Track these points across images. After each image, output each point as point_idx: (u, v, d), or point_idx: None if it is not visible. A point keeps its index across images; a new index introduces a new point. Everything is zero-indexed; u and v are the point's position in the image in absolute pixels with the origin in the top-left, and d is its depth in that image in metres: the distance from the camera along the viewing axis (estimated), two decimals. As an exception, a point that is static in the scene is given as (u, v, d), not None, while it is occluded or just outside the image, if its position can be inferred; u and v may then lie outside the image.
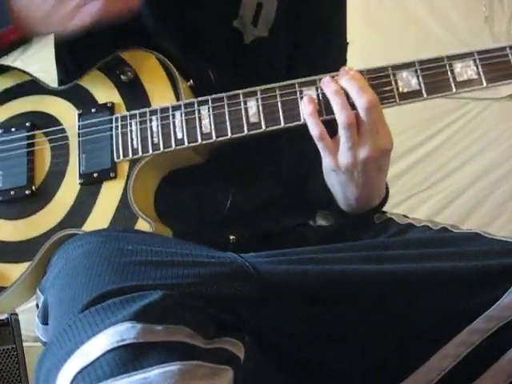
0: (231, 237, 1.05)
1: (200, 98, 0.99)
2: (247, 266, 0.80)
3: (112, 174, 0.99)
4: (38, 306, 1.03)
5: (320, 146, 0.95)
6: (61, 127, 1.05)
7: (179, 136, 0.98)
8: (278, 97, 0.96)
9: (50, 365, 0.71)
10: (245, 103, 0.97)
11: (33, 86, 1.10)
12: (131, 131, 1.00)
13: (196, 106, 0.98)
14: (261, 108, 0.96)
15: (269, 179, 1.11)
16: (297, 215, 1.12)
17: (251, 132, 0.96)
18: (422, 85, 0.94)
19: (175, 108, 0.99)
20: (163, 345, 0.68)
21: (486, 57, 0.93)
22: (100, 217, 0.98)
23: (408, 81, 0.94)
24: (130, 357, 0.66)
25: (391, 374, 0.88)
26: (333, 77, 0.96)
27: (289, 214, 1.12)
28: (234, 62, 1.11)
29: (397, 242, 0.97)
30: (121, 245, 0.81)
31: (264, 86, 0.97)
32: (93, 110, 1.04)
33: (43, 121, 1.06)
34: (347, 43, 1.23)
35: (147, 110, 1.00)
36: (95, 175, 1.00)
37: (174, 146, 0.98)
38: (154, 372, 0.65)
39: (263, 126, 0.96)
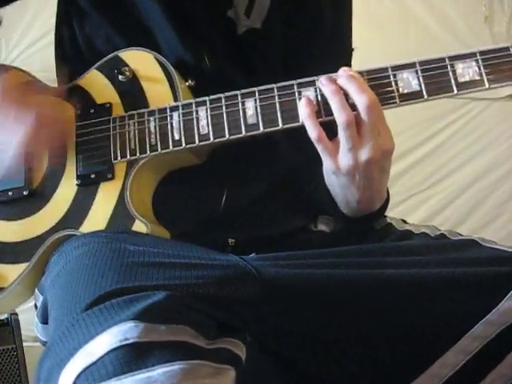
0: (230, 240, 1.04)
1: (198, 99, 0.99)
2: (250, 268, 0.80)
3: (109, 175, 0.99)
4: (36, 306, 1.03)
5: (319, 148, 0.94)
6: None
7: (176, 137, 0.98)
8: (277, 97, 0.96)
9: (52, 364, 0.71)
10: (243, 104, 0.97)
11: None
12: (129, 132, 1.00)
13: (194, 106, 0.98)
14: (259, 109, 0.96)
15: (264, 179, 1.11)
16: (296, 218, 1.12)
17: (249, 133, 0.96)
18: (423, 86, 0.92)
19: (173, 109, 0.99)
20: (166, 344, 0.68)
21: (488, 57, 0.92)
22: (97, 218, 0.98)
23: (408, 82, 0.93)
24: (133, 356, 0.66)
25: (391, 381, 0.88)
26: (331, 77, 0.95)
27: (287, 217, 1.11)
28: (228, 50, 1.11)
29: (397, 247, 0.96)
30: (122, 245, 0.81)
31: (262, 86, 0.97)
32: (91, 111, 1.04)
33: None
34: (352, 48, 1.22)
35: (145, 110, 1.00)
36: (92, 176, 1.00)
37: (171, 147, 0.98)
38: (158, 371, 0.65)
39: (261, 128, 0.95)
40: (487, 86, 0.91)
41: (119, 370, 0.66)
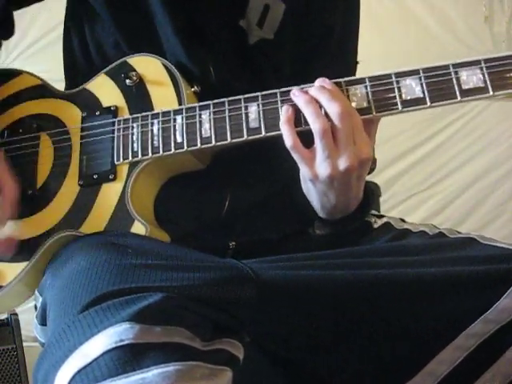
0: (231, 243, 1.04)
1: (202, 103, 0.99)
2: (247, 270, 0.80)
3: (111, 176, 1.00)
4: (36, 307, 1.03)
5: (295, 156, 0.93)
6: (64, 129, 1.06)
7: (179, 140, 0.98)
8: (279, 102, 0.96)
9: (49, 365, 0.71)
10: (245, 108, 0.97)
11: (42, 90, 1.11)
12: (132, 134, 1.01)
13: (197, 110, 0.99)
14: (261, 113, 0.96)
15: (266, 183, 1.11)
16: (295, 221, 1.12)
17: (251, 137, 0.96)
18: (426, 92, 0.91)
19: (177, 112, 0.99)
20: (161, 346, 0.68)
21: (493, 65, 0.91)
22: (97, 218, 0.98)
23: (412, 88, 0.92)
24: (128, 357, 0.66)
25: (389, 379, 0.88)
26: (303, 88, 0.95)
27: (287, 220, 1.11)
28: (236, 60, 1.11)
29: (394, 248, 0.97)
30: (121, 248, 0.82)
31: (265, 91, 0.97)
32: (97, 113, 1.05)
33: (49, 123, 1.07)
34: (357, 62, 1.22)
35: (149, 113, 1.01)
36: (95, 177, 1.01)
37: (173, 149, 0.98)
38: (153, 372, 0.65)
39: (263, 132, 0.95)
40: (491, 93, 0.90)
41: (114, 372, 0.66)
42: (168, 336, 0.69)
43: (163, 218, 1.01)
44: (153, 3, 1.06)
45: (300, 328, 0.85)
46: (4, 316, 1.87)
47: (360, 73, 1.20)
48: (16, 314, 1.88)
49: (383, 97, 0.93)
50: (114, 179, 1.00)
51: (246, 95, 0.97)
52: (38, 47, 2.57)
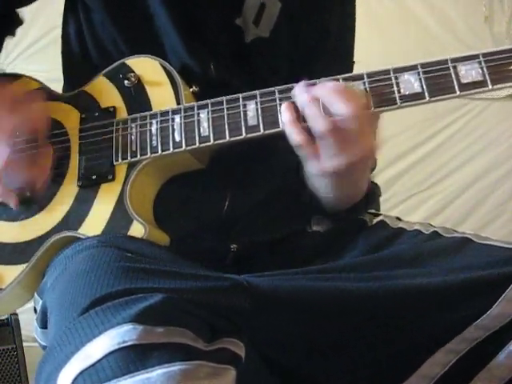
0: (232, 246, 1.04)
1: (200, 102, 0.99)
2: (241, 281, 0.81)
3: (110, 177, 1.00)
4: (35, 310, 1.03)
5: (301, 153, 0.93)
6: (63, 130, 1.06)
7: (177, 139, 0.98)
8: (278, 100, 0.95)
9: (51, 368, 0.71)
10: (244, 106, 0.97)
11: (41, 93, 1.10)
12: (131, 134, 1.01)
13: (196, 109, 0.99)
14: (259, 111, 0.96)
15: (266, 184, 1.11)
16: (294, 221, 1.12)
17: (249, 135, 0.95)
18: (425, 87, 0.91)
19: (175, 112, 0.99)
20: (165, 346, 0.68)
21: (491, 58, 0.91)
22: (96, 219, 0.98)
23: (410, 83, 0.92)
24: (132, 358, 0.66)
25: (384, 382, 0.88)
26: (305, 86, 0.94)
27: (286, 220, 1.11)
28: (234, 59, 1.11)
29: (386, 259, 0.96)
30: (121, 251, 0.82)
31: (264, 89, 0.97)
32: (95, 114, 1.05)
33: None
34: (353, 62, 1.22)
35: (148, 113, 1.01)
36: (94, 177, 1.01)
37: (171, 148, 0.98)
38: (157, 372, 0.65)
39: (261, 129, 0.95)
40: (490, 86, 0.90)
41: (118, 372, 0.66)
42: (171, 336, 0.69)
43: (162, 218, 1.01)
44: (151, 2, 1.06)
45: (295, 335, 0.86)
46: (4, 316, 1.88)
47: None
48: (16, 314, 1.89)
49: (381, 92, 0.93)
50: (112, 179, 1.00)
51: (244, 93, 0.97)
52: (37, 47, 2.57)
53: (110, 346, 0.67)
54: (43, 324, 0.92)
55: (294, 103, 0.94)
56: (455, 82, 0.91)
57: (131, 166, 1.00)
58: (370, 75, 0.94)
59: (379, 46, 2.65)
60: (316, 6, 1.16)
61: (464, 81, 0.91)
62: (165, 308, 0.71)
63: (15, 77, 1.14)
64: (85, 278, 0.77)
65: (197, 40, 1.07)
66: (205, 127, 0.97)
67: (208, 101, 0.99)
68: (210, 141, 0.97)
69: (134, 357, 0.66)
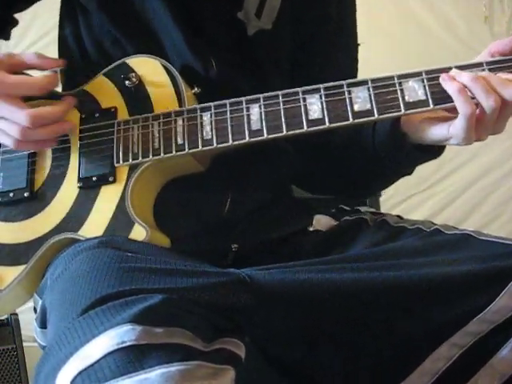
0: (233, 246, 1.04)
1: (203, 105, 0.98)
2: (243, 276, 0.81)
3: (111, 179, 0.99)
4: (35, 310, 1.03)
5: (464, 123, 0.91)
6: None
7: (180, 142, 0.97)
8: (281, 104, 0.95)
9: (49, 368, 0.71)
10: (247, 110, 0.96)
11: None
12: (132, 136, 1.00)
13: (198, 112, 0.98)
14: (263, 115, 0.95)
15: (267, 185, 1.11)
16: (295, 221, 1.12)
17: (253, 139, 0.95)
18: (429, 95, 0.91)
19: (177, 114, 0.99)
20: (164, 346, 0.68)
21: (493, 67, 0.91)
22: (97, 221, 0.97)
23: (414, 90, 0.92)
24: (130, 358, 0.66)
25: (385, 378, 0.89)
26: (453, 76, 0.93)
27: (288, 220, 1.12)
28: (236, 53, 1.10)
29: (389, 251, 0.97)
30: (121, 251, 0.82)
31: (267, 93, 0.96)
32: (96, 115, 1.04)
33: None
34: (358, 44, 1.22)
35: (150, 115, 1.00)
36: (94, 179, 1.00)
37: (174, 151, 0.97)
38: (156, 372, 0.65)
39: (265, 134, 0.94)
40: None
41: (117, 373, 0.66)
42: (170, 337, 0.69)
43: (163, 220, 1.01)
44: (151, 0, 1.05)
45: (297, 329, 0.86)
46: (4, 316, 1.87)
47: (360, 72, 1.20)
48: (16, 314, 1.88)
49: (386, 98, 0.93)
50: (113, 181, 0.99)
51: (248, 97, 0.97)
52: (37, 47, 2.57)
53: (109, 346, 0.67)
54: (43, 324, 0.92)
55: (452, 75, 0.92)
56: None
57: (132, 168, 0.99)
58: (374, 81, 0.94)
59: (379, 46, 2.65)
60: None
61: None
62: (164, 308, 0.71)
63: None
64: (85, 278, 0.77)
65: (198, 36, 1.06)
66: (208, 130, 0.97)
67: (211, 103, 0.98)
68: (213, 144, 0.96)
69: (132, 357, 0.66)
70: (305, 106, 0.94)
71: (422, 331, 0.88)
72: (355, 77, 1.22)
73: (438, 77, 0.92)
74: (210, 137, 0.96)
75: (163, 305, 0.71)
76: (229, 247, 1.04)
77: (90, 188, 1.00)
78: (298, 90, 0.95)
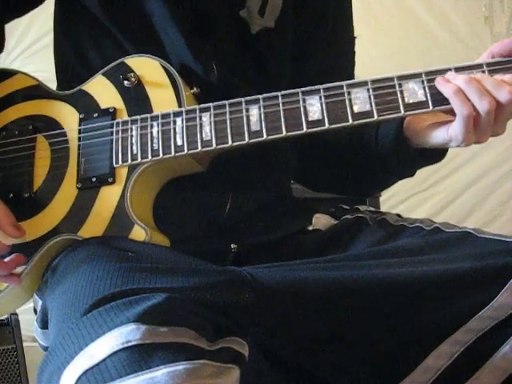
0: (232, 246, 1.04)
1: (202, 105, 0.98)
2: (244, 274, 0.81)
3: (110, 179, 0.98)
4: (35, 310, 1.03)
5: (462, 125, 0.91)
6: (61, 131, 1.04)
7: (179, 143, 0.96)
8: (281, 105, 0.94)
9: (53, 368, 0.71)
10: (247, 111, 0.95)
11: (38, 91, 1.09)
12: (131, 136, 0.99)
13: (198, 112, 0.97)
14: (263, 116, 0.94)
15: (267, 185, 1.11)
16: (295, 221, 1.12)
17: (252, 140, 0.94)
18: (429, 96, 0.91)
19: (176, 114, 0.98)
20: (169, 346, 0.68)
21: (495, 69, 0.92)
22: (96, 222, 0.97)
23: (414, 91, 0.92)
24: (136, 358, 0.66)
25: (388, 375, 0.88)
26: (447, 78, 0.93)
27: (288, 221, 1.12)
28: (239, 52, 1.10)
29: (389, 249, 0.97)
30: (121, 251, 0.82)
31: (267, 94, 0.96)
32: (95, 115, 1.03)
33: (45, 124, 1.06)
34: (355, 37, 1.23)
35: (148, 115, 1.00)
36: (93, 180, 0.99)
37: (173, 152, 0.96)
38: (162, 371, 0.65)
39: (265, 135, 0.94)
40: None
41: (123, 372, 0.66)
42: (174, 336, 0.69)
43: (163, 220, 1.00)
44: (150, 0, 1.04)
45: (299, 328, 0.86)
46: (4, 316, 1.87)
47: (360, 72, 1.20)
48: (16, 314, 1.88)
49: (385, 100, 0.92)
50: (113, 182, 0.98)
51: (247, 97, 0.96)
52: (37, 47, 2.57)
53: (114, 345, 0.67)
54: (43, 324, 0.92)
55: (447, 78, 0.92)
56: None
57: (132, 169, 0.98)
58: (373, 82, 0.93)
59: (379, 45, 2.65)
60: None
61: None
62: (168, 308, 0.71)
63: (11, 73, 1.12)
64: (86, 278, 0.77)
65: (199, 37, 1.05)
66: (207, 131, 0.96)
67: (210, 104, 0.97)
68: (212, 145, 0.95)
69: (138, 356, 0.67)
70: (304, 106, 0.94)
71: (424, 329, 0.88)
72: (353, 70, 1.23)
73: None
74: (209, 138, 0.96)
75: (167, 304, 0.71)
76: (228, 248, 1.04)
77: (89, 189, 0.99)
78: (298, 90, 0.95)
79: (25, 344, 1.91)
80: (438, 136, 0.96)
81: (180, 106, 0.99)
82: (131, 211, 0.95)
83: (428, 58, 2.65)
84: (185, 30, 1.04)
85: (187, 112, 0.98)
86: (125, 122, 1.01)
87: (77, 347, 0.69)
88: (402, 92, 0.92)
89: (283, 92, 0.95)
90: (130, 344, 0.67)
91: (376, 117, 0.92)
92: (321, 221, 1.13)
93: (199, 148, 0.96)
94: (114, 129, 1.01)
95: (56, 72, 1.16)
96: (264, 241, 1.07)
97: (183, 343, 0.69)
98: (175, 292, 0.73)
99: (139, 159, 0.98)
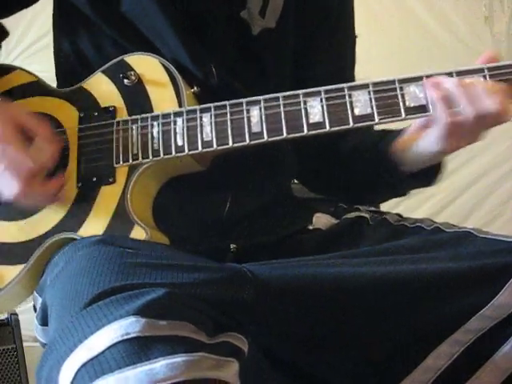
0: (232, 246, 1.04)
1: (203, 106, 0.98)
2: (245, 271, 0.81)
3: (110, 179, 0.98)
4: (35, 308, 1.03)
5: (443, 132, 0.93)
6: (61, 129, 1.04)
7: (180, 143, 0.97)
8: (282, 107, 0.94)
9: (53, 361, 0.71)
10: (247, 112, 0.95)
11: (37, 87, 1.09)
12: (132, 136, 0.99)
13: (198, 113, 0.97)
14: (263, 117, 0.95)
15: (267, 185, 1.11)
16: (296, 222, 1.12)
17: (253, 141, 0.95)
18: (430, 99, 0.91)
19: (177, 114, 0.98)
20: (168, 338, 0.68)
21: (495, 73, 0.91)
22: (96, 221, 0.97)
23: (415, 95, 0.92)
24: (135, 349, 0.67)
25: (388, 375, 0.89)
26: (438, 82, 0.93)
27: (288, 221, 1.12)
28: (238, 54, 1.10)
29: (389, 248, 0.97)
30: (122, 248, 0.82)
31: (268, 95, 0.96)
32: (95, 114, 1.03)
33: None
34: (356, 36, 1.23)
35: (149, 115, 0.99)
36: (94, 179, 0.99)
37: (174, 152, 0.97)
38: (161, 363, 0.66)
39: (265, 136, 0.94)
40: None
41: (122, 363, 0.66)
42: (173, 329, 0.69)
43: (163, 220, 1.01)
44: (145, 1, 1.03)
45: (299, 326, 0.86)
46: (4, 316, 1.87)
47: (361, 72, 1.20)
48: (16, 314, 1.88)
49: (386, 103, 0.93)
50: (113, 182, 0.99)
51: (248, 98, 0.96)
52: (37, 47, 2.57)
53: (114, 337, 0.68)
54: (43, 321, 0.93)
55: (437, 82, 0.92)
56: None
57: (132, 169, 0.98)
58: (375, 85, 0.93)
59: (379, 45, 2.65)
60: None
61: None
62: (168, 302, 0.71)
63: (10, 68, 1.12)
64: (86, 273, 0.78)
65: (198, 41, 1.05)
66: (207, 132, 0.96)
67: (211, 104, 0.97)
68: (212, 146, 0.96)
69: (137, 348, 0.67)
70: (305, 109, 0.94)
71: (423, 328, 0.88)
72: (353, 69, 1.23)
73: None
74: (209, 138, 0.96)
75: (167, 298, 0.71)
76: (228, 247, 1.04)
77: (89, 188, 1.00)
78: (299, 92, 0.95)
79: (25, 344, 1.90)
80: (420, 144, 0.99)
81: (180, 105, 0.99)
82: (131, 211, 0.96)
83: (428, 58, 2.65)
84: (182, 35, 1.03)
85: (188, 112, 0.98)
86: (125, 122, 1.01)
87: (76, 340, 0.70)
88: (403, 95, 0.92)
89: (284, 93, 0.95)
90: (129, 336, 0.67)
91: (377, 120, 0.92)
92: (321, 220, 1.13)
93: (200, 148, 0.96)
94: (114, 128, 1.01)
95: (56, 72, 1.16)
96: (264, 241, 1.07)
97: (182, 336, 0.69)
98: (175, 287, 0.74)
99: (140, 159, 0.98)
